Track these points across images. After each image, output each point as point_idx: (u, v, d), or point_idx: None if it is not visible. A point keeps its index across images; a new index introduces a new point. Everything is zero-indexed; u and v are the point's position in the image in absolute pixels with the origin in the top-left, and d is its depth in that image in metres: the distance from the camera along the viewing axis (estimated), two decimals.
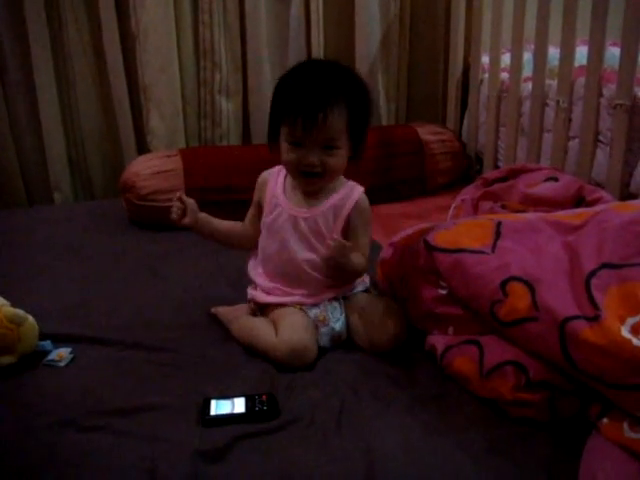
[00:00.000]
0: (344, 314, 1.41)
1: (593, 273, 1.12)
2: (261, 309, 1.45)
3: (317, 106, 1.28)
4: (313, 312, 1.39)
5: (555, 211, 1.63)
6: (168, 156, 2.17)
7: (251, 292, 1.48)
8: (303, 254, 1.39)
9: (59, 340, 1.40)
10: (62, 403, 1.21)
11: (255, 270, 1.48)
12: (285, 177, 1.44)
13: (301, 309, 1.39)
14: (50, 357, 1.35)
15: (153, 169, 2.10)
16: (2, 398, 1.23)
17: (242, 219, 2.09)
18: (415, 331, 1.39)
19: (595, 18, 1.84)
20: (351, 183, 1.43)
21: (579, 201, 1.69)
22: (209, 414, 1.16)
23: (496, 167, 2.37)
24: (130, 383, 1.27)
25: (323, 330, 1.38)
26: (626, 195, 1.82)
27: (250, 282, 1.50)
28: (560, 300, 1.11)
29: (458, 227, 1.32)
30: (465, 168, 2.52)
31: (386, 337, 1.35)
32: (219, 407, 1.17)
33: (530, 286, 1.15)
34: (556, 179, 1.81)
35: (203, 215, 1.51)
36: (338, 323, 1.39)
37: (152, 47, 2.36)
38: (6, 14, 2.28)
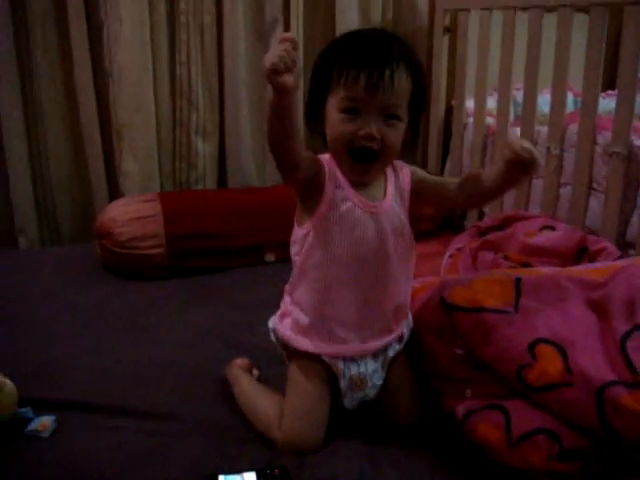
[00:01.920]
0: (383, 379, 1.26)
1: (628, 335, 1.07)
2: (285, 348, 1.26)
3: (384, 59, 1.08)
4: (352, 371, 1.22)
5: (558, 261, 1.60)
6: (146, 201, 2.07)
7: (278, 325, 1.27)
8: (396, 252, 1.20)
9: (40, 406, 1.28)
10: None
11: (300, 287, 1.23)
12: (336, 167, 1.18)
13: (333, 367, 1.21)
14: (32, 427, 1.23)
15: (131, 214, 1.99)
16: None
17: (228, 266, 2.03)
18: (429, 392, 1.31)
19: (589, 65, 1.83)
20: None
21: (581, 251, 1.65)
22: None
23: (481, 214, 2.34)
24: (122, 458, 1.16)
25: (356, 395, 1.23)
26: (622, 244, 1.79)
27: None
28: (595, 364, 1.05)
29: (475, 284, 1.25)
30: (448, 215, 2.48)
31: (407, 419, 1.26)
32: None
33: (561, 349, 1.09)
34: (552, 228, 1.77)
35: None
36: (374, 390, 1.25)
37: (127, 86, 2.27)
38: None
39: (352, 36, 1.15)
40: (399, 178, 1.24)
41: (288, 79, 0.97)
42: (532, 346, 1.11)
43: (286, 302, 1.28)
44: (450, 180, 1.29)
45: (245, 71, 2.45)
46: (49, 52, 2.25)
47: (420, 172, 1.29)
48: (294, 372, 1.24)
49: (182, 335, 1.64)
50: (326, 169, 1.17)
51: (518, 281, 1.23)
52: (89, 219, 2.35)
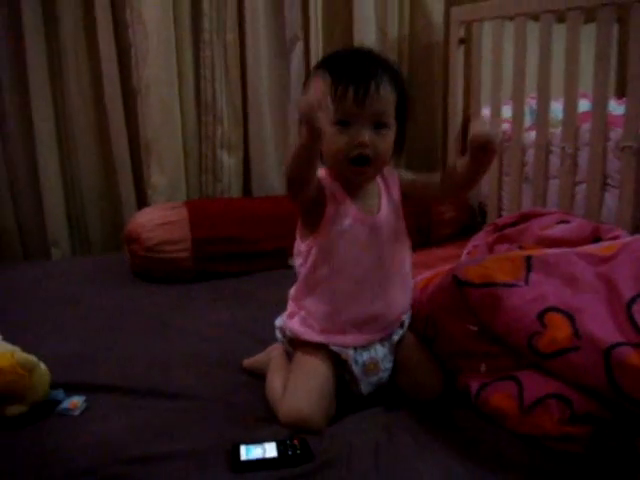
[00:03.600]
0: (392, 360, 1.32)
1: (634, 300, 1.10)
2: (292, 343, 1.32)
3: (369, 74, 1.19)
4: (364, 357, 1.28)
5: None
6: (173, 208, 2.15)
7: (287, 323, 1.33)
8: (392, 257, 1.30)
9: (71, 389, 1.34)
10: (79, 452, 1.14)
11: (308, 298, 1.31)
12: (334, 181, 1.27)
13: (336, 356, 1.27)
14: (63, 406, 1.29)
15: (158, 220, 2.07)
16: (16, 448, 1.16)
17: (251, 270, 2.09)
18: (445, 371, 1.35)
19: (599, 66, 1.89)
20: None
21: (595, 241, 1.68)
22: (240, 459, 1.09)
23: (500, 216, 2.37)
24: (150, 431, 1.21)
25: (371, 379, 1.29)
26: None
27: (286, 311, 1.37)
28: (602, 328, 1.08)
29: (487, 262, 1.30)
30: (468, 219, 2.52)
31: (431, 392, 1.30)
32: (249, 452, 1.11)
33: (569, 315, 1.12)
34: (568, 222, 1.80)
35: None
36: (386, 373, 1.31)
37: (154, 102, 2.37)
38: (8, 66, 2.30)
39: (339, 54, 1.28)
40: (390, 188, 1.33)
41: (323, 124, 1.07)
42: (541, 315, 1.15)
43: (292, 305, 1.35)
44: (434, 176, 1.36)
45: (267, 87, 2.54)
46: (80, 70, 2.37)
47: (407, 175, 1.37)
48: (299, 356, 1.29)
49: (207, 330, 1.69)
50: (326, 188, 1.26)
51: (529, 258, 1.27)
52: (118, 231, 2.44)
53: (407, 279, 1.36)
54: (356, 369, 1.27)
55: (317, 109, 1.05)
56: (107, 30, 2.31)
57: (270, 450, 1.12)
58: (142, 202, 2.46)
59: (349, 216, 1.25)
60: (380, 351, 1.30)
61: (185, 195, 2.48)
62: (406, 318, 1.36)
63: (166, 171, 2.44)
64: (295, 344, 1.32)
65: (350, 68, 1.21)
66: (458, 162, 1.25)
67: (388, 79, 1.22)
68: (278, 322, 1.38)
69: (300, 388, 1.23)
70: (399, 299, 1.33)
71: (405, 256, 1.34)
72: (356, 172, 1.24)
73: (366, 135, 1.19)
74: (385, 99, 1.21)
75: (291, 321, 1.33)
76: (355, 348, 1.28)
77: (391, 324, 1.32)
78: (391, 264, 1.30)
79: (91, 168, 2.47)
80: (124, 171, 2.44)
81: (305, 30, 2.54)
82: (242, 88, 2.52)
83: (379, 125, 1.21)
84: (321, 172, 1.27)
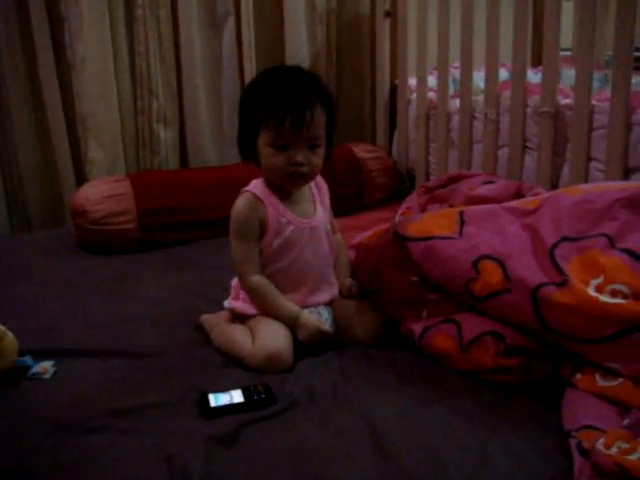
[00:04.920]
0: (331, 313, 1.48)
1: (555, 245, 1.25)
2: (239, 318, 1.47)
3: (303, 103, 1.33)
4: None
5: None
6: (116, 181, 2.19)
7: (233, 303, 1.50)
8: (327, 252, 1.50)
9: (39, 355, 1.39)
10: (57, 409, 1.21)
11: None
12: (271, 193, 1.44)
13: None
14: (33, 370, 1.34)
15: (103, 193, 2.11)
16: None
17: (196, 238, 2.16)
18: (389, 320, 1.48)
19: (517, 36, 2.04)
20: None
21: (519, 197, 1.83)
22: (209, 406, 1.19)
23: (428, 180, 2.52)
24: (122, 387, 1.28)
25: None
26: None
27: (229, 294, 1.53)
28: (529, 271, 1.23)
29: (424, 219, 1.43)
30: (398, 184, 2.66)
31: (367, 334, 1.43)
32: (218, 399, 1.20)
33: (500, 262, 1.26)
34: (493, 182, 1.96)
35: (297, 309, 1.42)
36: (328, 322, 1.45)
37: (89, 77, 2.38)
38: None
39: (275, 80, 1.40)
40: (322, 195, 1.53)
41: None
42: (476, 263, 1.29)
43: (235, 289, 1.50)
44: (333, 226, 1.59)
45: (200, 61, 2.58)
46: (12, 46, 2.35)
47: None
48: (255, 320, 1.43)
49: (161, 294, 1.76)
50: (266, 205, 1.41)
51: (461, 213, 1.41)
52: (58, 207, 2.47)
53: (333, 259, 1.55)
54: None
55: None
56: (39, 4, 2.30)
57: (237, 396, 1.21)
58: (81, 177, 2.48)
59: (291, 224, 1.43)
60: (320, 309, 1.47)
61: (124, 169, 2.51)
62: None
63: (104, 146, 2.46)
64: (244, 318, 1.45)
65: (286, 96, 1.34)
66: (340, 267, 1.56)
67: (321, 105, 1.37)
68: (226, 304, 1.52)
69: (269, 330, 1.37)
70: (330, 273, 1.52)
71: (334, 249, 1.54)
72: (293, 184, 1.42)
73: (301, 156, 1.36)
74: (318, 124, 1.36)
75: (236, 302, 1.48)
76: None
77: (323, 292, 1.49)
78: (325, 252, 1.49)
79: (28, 145, 2.46)
80: (61, 147, 2.44)
81: (236, 5, 2.60)
82: (176, 63, 2.55)
83: (313, 146, 1.38)
84: (257, 186, 1.44)
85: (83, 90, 2.40)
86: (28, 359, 1.37)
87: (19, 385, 1.31)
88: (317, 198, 1.51)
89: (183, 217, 2.16)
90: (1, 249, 2.18)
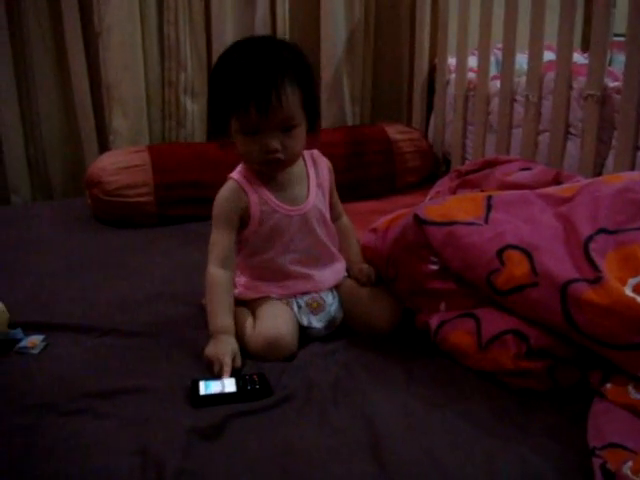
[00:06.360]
0: (337, 297, 1.37)
1: (590, 238, 1.11)
2: (242, 303, 1.37)
3: (268, 85, 1.19)
4: (305, 299, 1.34)
5: None
6: (136, 152, 2.11)
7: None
8: (323, 237, 1.37)
9: (30, 328, 1.33)
10: (38, 388, 1.14)
11: (246, 273, 1.38)
12: (254, 178, 1.32)
13: (288, 303, 1.33)
14: (22, 344, 1.28)
15: (120, 164, 2.04)
16: None
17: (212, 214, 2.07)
18: (405, 311, 1.36)
19: (564, 14, 1.88)
20: (307, 152, 1.38)
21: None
22: (199, 394, 1.10)
23: (463, 160, 2.39)
24: (110, 367, 1.21)
25: (319, 316, 1.33)
26: None
27: None
28: (559, 265, 1.10)
29: (448, 202, 1.31)
30: (432, 167, 2.53)
31: (384, 321, 1.33)
32: (209, 387, 1.12)
33: (527, 253, 1.13)
34: (530, 169, 1.82)
35: (229, 326, 1.27)
36: (333, 307, 1.35)
37: (116, 45, 2.31)
38: None
39: (239, 60, 1.23)
40: (319, 174, 1.38)
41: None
42: (500, 252, 1.16)
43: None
44: (339, 205, 1.46)
45: (232, 32, 2.47)
46: (39, 13, 2.29)
47: (332, 180, 1.42)
48: (256, 304, 1.34)
49: (170, 272, 1.68)
50: (248, 193, 1.30)
51: (489, 198, 1.28)
52: (80, 176, 2.39)
53: (334, 240, 1.42)
54: (302, 309, 1.33)
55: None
56: None
57: (229, 385, 1.13)
58: (104, 147, 2.41)
59: (276, 212, 1.30)
60: (322, 293, 1.36)
61: (148, 140, 2.43)
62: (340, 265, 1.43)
63: (128, 116, 2.38)
64: (247, 303, 1.36)
65: (249, 80, 1.20)
66: (351, 248, 1.44)
67: (291, 79, 1.22)
68: None
69: (271, 314, 1.29)
70: (328, 255, 1.40)
71: (332, 229, 1.40)
72: (271, 171, 1.30)
73: (274, 142, 1.23)
74: (289, 105, 1.21)
75: (235, 289, 1.36)
76: (295, 296, 1.35)
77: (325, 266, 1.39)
78: (320, 238, 1.36)
79: (51, 112, 2.40)
80: (86, 115, 2.38)
81: None
82: (206, 33, 2.46)
83: (287, 128, 1.24)
84: (241, 172, 1.32)
85: (109, 58, 2.33)
86: (18, 332, 1.32)
87: (6, 358, 1.25)
88: (313, 179, 1.37)
89: (201, 193, 2.06)
90: (17, 217, 2.16)
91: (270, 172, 1.31)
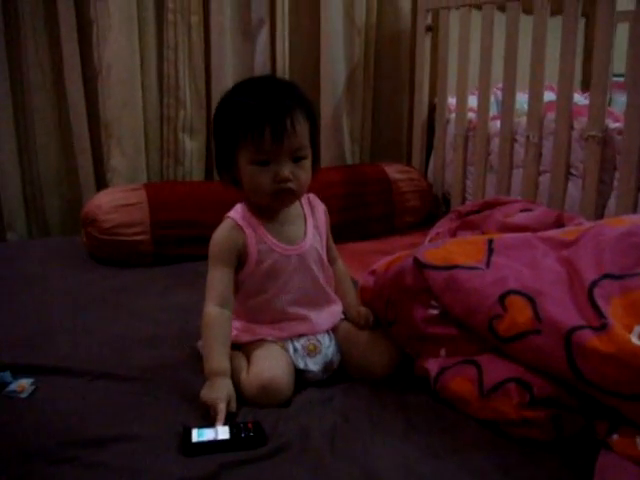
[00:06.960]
0: (334, 340, 1.35)
1: (595, 283, 1.09)
2: (236, 347, 1.33)
3: (283, 111, 1.20)
4: (301, 342, 1.31)
5: None
6: (132, 190, 2.09)
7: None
8: (320, 279, 1.35)
9: (19, 371, 1.29)
10: (26, 435, 1.09)
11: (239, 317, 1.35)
12: (253, 217, 1.30)
13: (283, 346, 1.30)
14: (10, 388, 1.24)
15: (116, 202, 2.02)
16: None
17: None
18: (403, 356, 1.33)
19: (564, 55, 1.88)
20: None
21: (558, 227, 1.67)
22: (191, 442, 1.06)
23: (463, 201, 2.38)
24: (101, 414, 1.17)
25: (316, 359, 1.30)
26: None
27: None
28: (563, 311, 1.07)
29: (448, 245, 1.28)
30: (432, 207, 2.51)
31: (382, 365, 1.30)
32: (201, 435, 1.07)
33: (530, 299, 1.11)
34: (531, 210, 1.80)
35: (226, 369, 1.22)
36: (330, 349, 1.32)
37: (115, 82, 2.32)
38: None
39: (249, 91, 1.26)
40: (315, 217, 1.38)
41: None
42: (502, 298, 1.13)
43: None
44: (334, 251, 1.45)
45: (232, 70, 2.50)
46: (38, 48, 2.30)
47: (329, 224, 1.41)
48: (250, 348, 1.30)
49: (164, 313, 1.65)
50: (246, 233, 1.28)
51: (490, 241, 1.26)
52: (77, 213, 2.37)
53: (331, 293, 1.40)
54: (298, 352, 1.30)
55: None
56: (68, 6, 2.24)
57: (222, 433, 1.08)
58: (102, 185, 2.40)
59: (274, 251, 1.29)
60: (318, 336, 1.33)
61: (146, 178, 2.43)
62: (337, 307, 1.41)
63: (126, 153, 2.38)
64: (241, 346, 1.32)
65: (264, 106, 1.21)
66: (347, 295, 1.42)
67: (301, 112, 1.23)
68: None
69: (265, 358, 1.25)
70: (323, 298, 1.37)
71: (329, 271, 1.39)
72: (280, 203, 1.29)
73: (287, 171, 1.22)
74: (301, 133, 1.23)
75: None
76: (291, 339, 1.32)
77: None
78: (316, 279, 1.34)
79: (50, 150, 2.40)
80: (84, 152, 2.37)
81: (271, 14, 2.50)
82: (206, 71, 2.47)
83: (297, 158, 1.24)
84: (238, 211, 1.31)
85: (108, 95, 2.33)
86: (6, 375, 1.28)
87: None
88: (309, 219, 1.36)
89: (198, 232, 2.03)
90: (12, 254, 2.12)
91: (279, 205, 1.29)
